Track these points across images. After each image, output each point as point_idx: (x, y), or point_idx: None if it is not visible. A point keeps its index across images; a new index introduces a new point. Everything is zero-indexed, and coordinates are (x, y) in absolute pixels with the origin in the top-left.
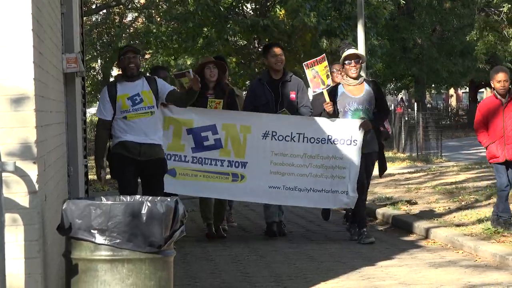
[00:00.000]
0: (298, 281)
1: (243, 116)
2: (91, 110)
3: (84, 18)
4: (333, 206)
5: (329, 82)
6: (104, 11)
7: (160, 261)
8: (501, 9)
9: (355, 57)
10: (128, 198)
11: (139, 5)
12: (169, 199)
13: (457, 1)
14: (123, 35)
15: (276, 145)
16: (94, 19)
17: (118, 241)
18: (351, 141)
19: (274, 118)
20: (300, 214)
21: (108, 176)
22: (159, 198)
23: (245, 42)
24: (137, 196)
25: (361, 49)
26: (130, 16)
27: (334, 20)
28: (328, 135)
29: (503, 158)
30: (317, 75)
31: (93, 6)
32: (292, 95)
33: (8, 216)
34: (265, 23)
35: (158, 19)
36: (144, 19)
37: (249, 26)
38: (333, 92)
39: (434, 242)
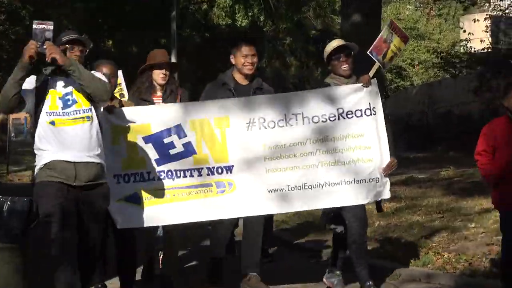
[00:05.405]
0: None
1: (216, 106)
2: None
3: None
4: (365, 201)
5: (387, 65)
6: None
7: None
8: (284, 41)
9: (345, 49)
10: None
11: None
12: (25, 199)
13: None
14: None
15: (268, 135)
16: None
17: None
18: (370, 109)
19: (259, 100)
20: None
21: None
22: (17, 198)
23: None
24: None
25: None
26: None
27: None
28: (338, 108)
29: None
30: (389, 44)
31: None
32: None
33: None
34: (100, 50)
35: None
36: None
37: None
38: None
39: None
